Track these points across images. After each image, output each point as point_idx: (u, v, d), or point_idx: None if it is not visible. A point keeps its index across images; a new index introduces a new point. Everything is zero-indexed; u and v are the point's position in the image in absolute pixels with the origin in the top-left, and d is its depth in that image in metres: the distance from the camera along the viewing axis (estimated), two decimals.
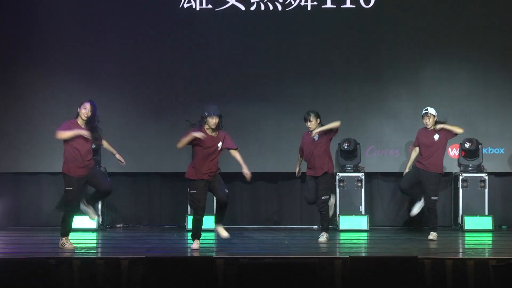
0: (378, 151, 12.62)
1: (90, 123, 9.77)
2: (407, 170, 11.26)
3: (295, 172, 11.10)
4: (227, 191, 9.88)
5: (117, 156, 10.17)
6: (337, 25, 12.59)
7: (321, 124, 10.72)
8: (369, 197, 12.61)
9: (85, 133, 9.66)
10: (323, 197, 10.74)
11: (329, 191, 10.89)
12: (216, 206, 10.10)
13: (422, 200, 11.10)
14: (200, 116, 9.79)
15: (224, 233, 10.08)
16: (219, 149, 9.80)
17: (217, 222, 10.09)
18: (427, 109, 11.06)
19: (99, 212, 12.04)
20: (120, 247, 10.16)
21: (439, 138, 10.98)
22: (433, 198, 10.97)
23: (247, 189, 12.70)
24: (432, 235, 10.98)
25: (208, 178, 9.79)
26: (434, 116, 11.03)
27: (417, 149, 11.21)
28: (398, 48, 12.59)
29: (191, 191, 9.85)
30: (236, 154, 9.95)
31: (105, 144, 10.20)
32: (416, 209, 11.19)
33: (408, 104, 12.54)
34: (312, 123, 10.70)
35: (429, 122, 11.04)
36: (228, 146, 9.92)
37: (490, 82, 12.55)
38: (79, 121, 9.78)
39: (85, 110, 9.73)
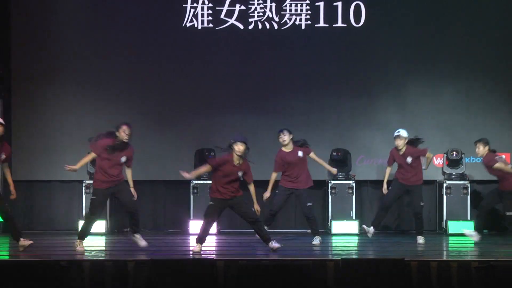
0: (367, 160, 12.64)
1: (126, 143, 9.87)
2: (385, 187, 11.22)
3: None
4: (254, 210, 9.93)
5: (132, 189, 10.08)
6: (329, 43, 12.62)
7: (293, 139, 10.76)
8: (359, 203, 12.59)
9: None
10: (308, 204, 10.79)
11: (310, 198, 10.93)
12: None
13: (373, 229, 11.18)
14: (228, 144, 9.80)
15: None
16: (239, 176, 9.81)
17: None
18: (399, 131, 10.95)
19: (107, 217, 12.03)
20: (127, 250, 10.14)
21: (412, 159, 10.93)
22: (422, 204, 11.09)
23: (246, 195, 12.64)
24: (420, 239, 10.98)
25: (229, 197, 9.83)
26: (405, 138, 10.95)
27: (390, 168, 11.21)
28: (386, 64, 12.62)
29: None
30: (251, 187, 9.99)
31: (129, 173, 10.08)
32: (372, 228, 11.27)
33: (396, 116, 12.56)
34: (286, 137, 10.73)
35: (400, 143, 10.96)
36: (248, 180, 9.93)
37: (471, 96, 12.59)
38: (117, 141, 9.80)
39: (125, 134, 9.81)
